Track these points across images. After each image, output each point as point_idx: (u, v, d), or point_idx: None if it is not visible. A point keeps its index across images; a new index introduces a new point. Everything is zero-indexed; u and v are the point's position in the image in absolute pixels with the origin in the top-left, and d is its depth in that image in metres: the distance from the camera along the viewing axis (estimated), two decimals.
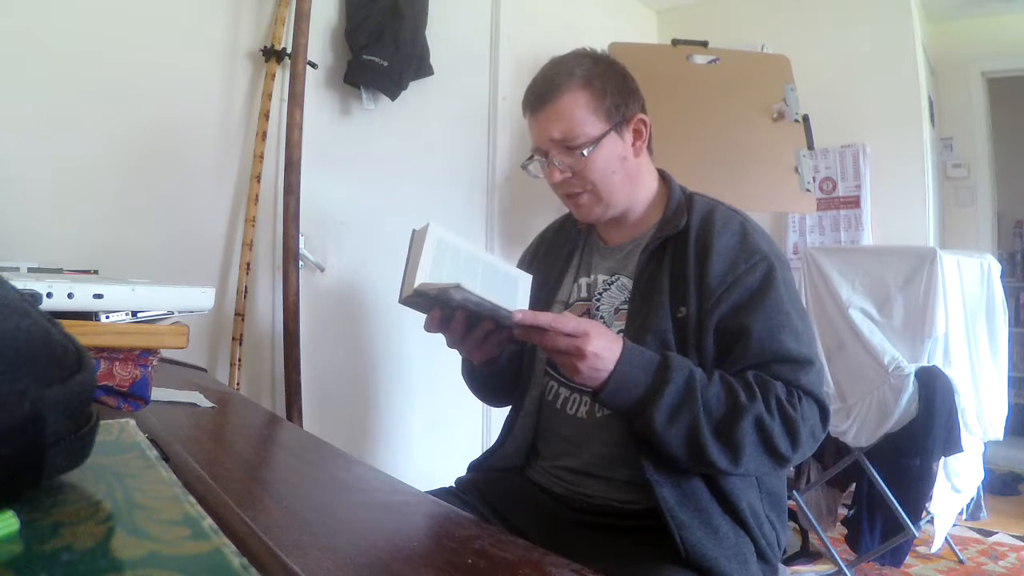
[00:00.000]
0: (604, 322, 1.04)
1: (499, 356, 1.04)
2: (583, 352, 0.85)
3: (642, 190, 1.10)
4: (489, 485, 1.11)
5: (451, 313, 0.92)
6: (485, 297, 0.83)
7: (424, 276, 0.88)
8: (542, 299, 1.13)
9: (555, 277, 1.15)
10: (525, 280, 1.01)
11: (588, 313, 1.08)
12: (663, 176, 1.14)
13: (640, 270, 1.03)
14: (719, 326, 0.95)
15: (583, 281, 1.13)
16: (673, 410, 0.87)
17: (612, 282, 1.08)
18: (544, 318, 0.86)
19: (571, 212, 1.16)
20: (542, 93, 1.04)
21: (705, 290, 0.96)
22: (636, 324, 0.99)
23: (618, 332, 0.97)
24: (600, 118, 1.02)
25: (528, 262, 1.24)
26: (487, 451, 1.17)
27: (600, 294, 1.08)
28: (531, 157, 1.10)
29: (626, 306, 1.03)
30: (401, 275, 0.92)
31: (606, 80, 1.04)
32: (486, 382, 1.16)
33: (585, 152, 1.02)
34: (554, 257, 1.19)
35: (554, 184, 1.07)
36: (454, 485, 1.14)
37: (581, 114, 1.02)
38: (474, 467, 1.17)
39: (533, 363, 1.12)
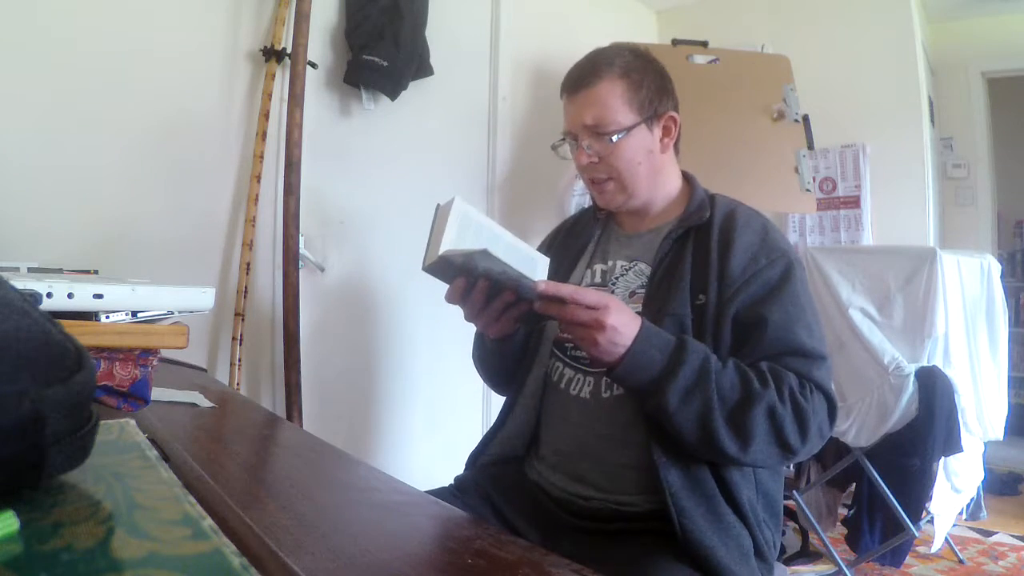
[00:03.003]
0: None
1: (513, 335, 1.06)
2: (603, 324, 0.86)
3: (664, 185, 1.13)
4: (488, 483, 1.11)
5: (472, 283, 0.93)
6: (510, 263, 0.84)
7: (449, 244, 0.89)
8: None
9: (568, 264, 1.17)
10: (544, 261, 1.02)
11: None
12: (687, 177, 1.17)
13: (662, 256, 1.05)
14: (737, 315, 0.97)
15: (598, 267, 1.14)
16: (686, 391, 0.88)
17: (630, 267, 1.09)
18: (566, 289, 0.87)
19: (593, 200, 1.19)
20: (581, 78, 1.07)
21: (726, 279, 0.98)
22: (655, 307, 1.00)
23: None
24: (633, 109, 1.05)
25: (545, 251, 1.24)
26: (486, 435, 1.16)
27: (616, 279, 1.10)
28: (563, 139, 1.13)
29: (642, 290, 1.05)
30: (425, 246, 0.93)
31: (644, 74, 1.07)
32: (499, 361, 1.16)
33: (614, 139, 1.04)
34: (569, 246, 1.21)
35: (580, 167, 1.10)
36: (453, 484, 1.14)
37: (615, 103, 1.05)
38: (473, 459, 1.17)
39: (538, 345, 1.13)
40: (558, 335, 1.11)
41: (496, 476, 1.12)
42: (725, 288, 0.98)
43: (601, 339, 0.86)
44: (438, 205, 0.95)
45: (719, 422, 0.87)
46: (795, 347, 0.94)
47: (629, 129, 1.05)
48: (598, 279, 1.12)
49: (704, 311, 0.98)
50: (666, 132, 1.10)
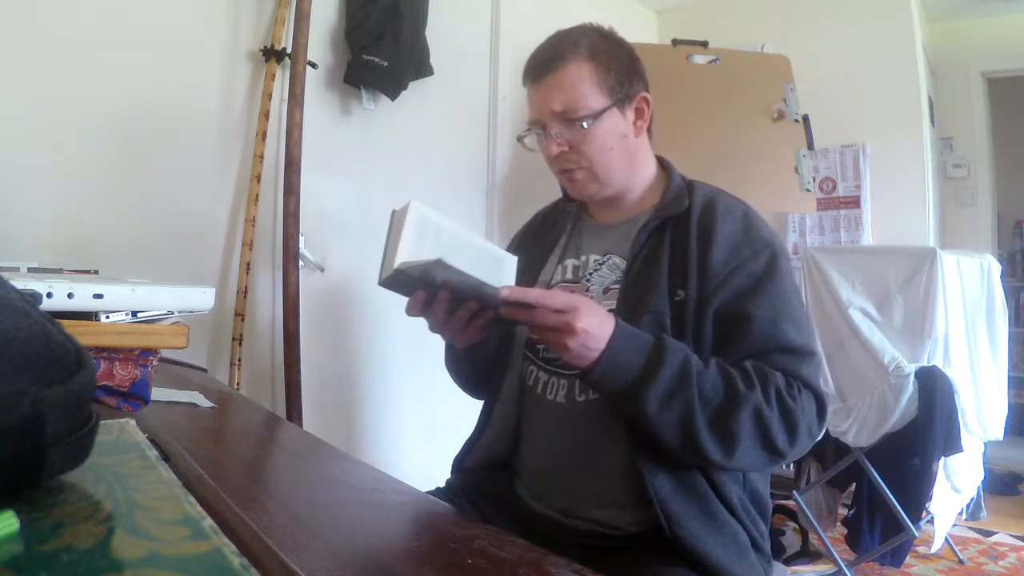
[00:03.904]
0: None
1: (485, 341, 0.99)
2: (573, 328, 0.81)
3: (639, 172, 1.07)
4: (476, 491, 1.07)
5: (433, 294, 0.87)
6: (470, 273, 0.79)
7: (405, 255, 0.82)
8: (524, 282, 1.07)
9: (539, 260, 1.11)
10: (511, 261, 0.97)
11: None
12: (662, 163, 1.11)
13: (637, 248, 0.99)
14: (719, 311, 0.92)
15: (569, 263, 1.08)
16: (666, 394, 0.83)
17: (603, 262, 1.04)
18: (532, 294, 0.82)
19: (564, 191, 1.13)
20: (545, 62, 1.00)
21: (707, 274, 0.93)
22: (630, 304, 0.95)
23: (608, 311, 0.92)
24: (603, 92, 0.99)
25: (515, 248, 1.19)
26: (468, 442, 1.12)
27: (590, 274, 1.04)
28: (528, 129, 1.06)
29: (617, 285, 0.99)
30: (381, 257, 0.87)
31: (612, 55, 1.01)
32: (471, 369, 1.11)
33: (585, 124, 0.98)
34: (541, 241, 1.15)
35: (550, 158, 1.03)
36: (443, 487, 1.10)
37: (584, 86, 0.98)
38: (457, 464, 1.13)
39: (511, 347, 1.08)
40: (528, 336, 1.04)
41: (484, 484, 1.07)
42: (706, 283, 0.92)
43: (572, 344, 0.82)
44: (393, 211, 0.89)
45: (702, 426, 0.83)
46: (782, 344, 0.89)
47: (600, 113, 0.98)
48: (570, 275, 1.07)
49: (684, 308, 0.92)
50: (639, 115, 1.04)
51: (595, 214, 1.12)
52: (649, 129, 1.08)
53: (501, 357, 1.09)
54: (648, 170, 1.08)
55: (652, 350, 0.85)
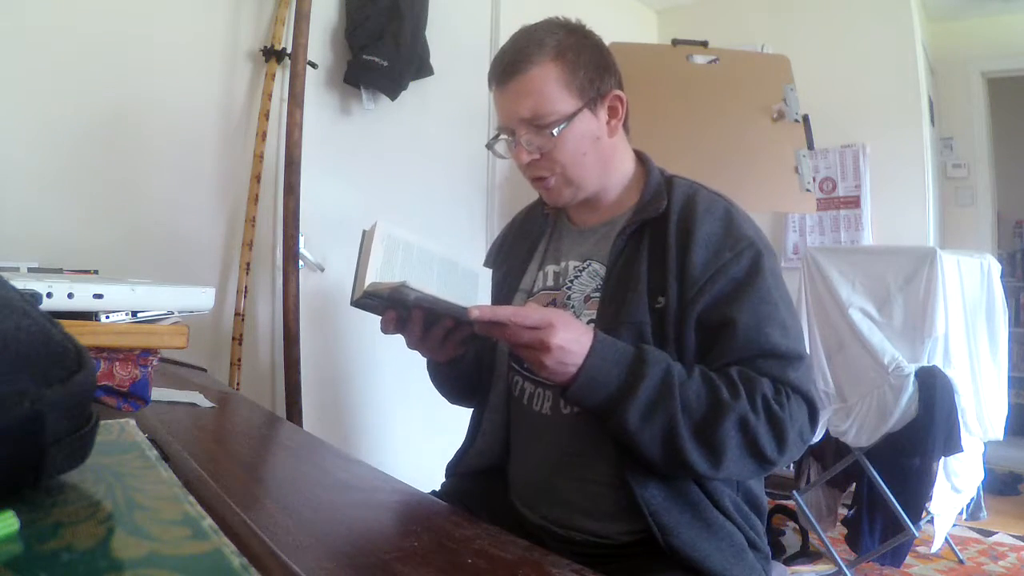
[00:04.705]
0: (574, 312, 0.97)
1: (464, 354, 0.97)
2: (548, 345, 0.78)
3: (616, 172, 1.02)
4: (472, 498, 1.04)
5: (407, 314, 0.86)
6: (438, 296, 0.78)
7: (374, 276, 0.83)
8: (505, 290, 1.06)
9: (519, 265, 1.08)
10: (485, 274, 0.95)
11: (554, 303, 1.00)
12: (640, 157, 1.06)
13: (615, 255, 0.95)
14: (701, 318, 0.88)
15: (550, 269, 1.05)
16: (648, 408, 0.81)
17: (583, 268, 1.00)
18: (503, 312, 0.79)
19: (540, 196, 1.10)
20: (510, 64, 0.96)
21: (687, 279, 0.89)
22: (609, 314, 0.92)
23: (588, 322, 0.92)
24: (572, 94, 0.94)
25: (495, 254, 1.17)
26: (460, 449, 1.10)
27: (571, 282, 1.01)
28: (497, 136, 1.02)
29: (597, 294, 0.96)
30: (353, 277, 0.87)
31: (579, 52, 0.95)
32: (453, 382, 1.10)
33: (555, 131, 0.93)
34: (520, 246, 1.12)
35: (522, 166, 0.99)
36: (439, 491, 1.09)
37: (552, 89, 0.93)
38: (451, 469, 1.12)
39: (494, 357, 1.05)
40: None
41: (478, 491, 1.06)
42: (686, 288, 0.88)
43: (548, 361, 0.79)
44: (363, 231, 0.89)
45: (686, 438, 0.81)
46: (768, 349, 0.86)
47: (571, 117, 0.93)
48: (551, 282, 1.03)
49: (664, 315, 0.89)
50: (612, 113, 0.98)
51: (573, 217, 1.08)
52: (625, 124, 1.03)
53: (487, 367, 1.06)
54: (625, 168, 1.03)
55: (632, 363, 0.83)
